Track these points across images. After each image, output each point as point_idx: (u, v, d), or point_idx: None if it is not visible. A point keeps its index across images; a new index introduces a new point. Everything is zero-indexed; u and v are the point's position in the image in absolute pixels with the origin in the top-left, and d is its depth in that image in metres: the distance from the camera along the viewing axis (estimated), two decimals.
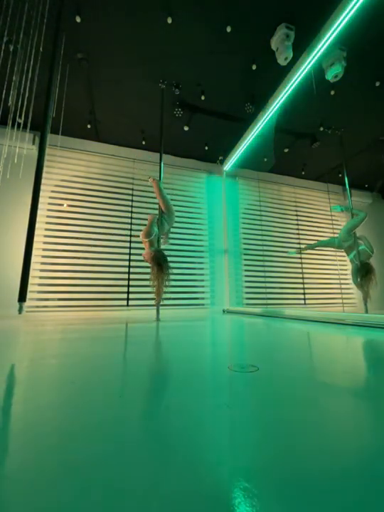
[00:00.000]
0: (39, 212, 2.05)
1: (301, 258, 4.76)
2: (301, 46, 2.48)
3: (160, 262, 2.48)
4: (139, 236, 2.79)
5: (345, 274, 4.85)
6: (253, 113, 3.37)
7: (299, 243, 4.84)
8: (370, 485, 0.31)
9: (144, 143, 3.95)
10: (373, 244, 3.32)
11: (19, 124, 2.49)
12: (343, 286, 4.73)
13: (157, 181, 2.83)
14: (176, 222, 4.09)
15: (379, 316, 1.91)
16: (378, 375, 0.80)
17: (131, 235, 3.82)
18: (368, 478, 0.32)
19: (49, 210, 3.51)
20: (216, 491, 0.30)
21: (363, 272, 2.94)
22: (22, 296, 1.74)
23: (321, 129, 3.60)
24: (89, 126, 3.54)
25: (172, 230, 4.01)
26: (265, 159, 4.13)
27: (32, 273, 3.17)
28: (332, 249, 4.92)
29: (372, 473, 0.33)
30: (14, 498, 0.30)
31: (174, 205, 4.13)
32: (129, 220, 3.87)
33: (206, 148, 4.14)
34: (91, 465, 0.35)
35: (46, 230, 3.43)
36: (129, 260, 3.73)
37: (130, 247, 3.78)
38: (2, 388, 0.67)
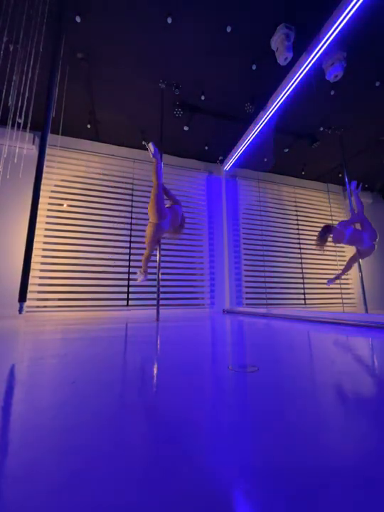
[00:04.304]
0: (39, 212, 2.05)
1: (301, 258, 4.76)
2: (301, 46, 2.47)
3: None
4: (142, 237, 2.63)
5: (346, 274, 4.85)
6: (253, 113, 3.37)
7: (299, 243, 4.84)
8: (364, 483, 0.31)
9: (144, 143, 3.95)
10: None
11: (19, 124, 2.49)
12: (343, 286, 4.73)
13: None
14: None
15: (379, 316, 1.91)
16: (376, 374, 0.80)
17: (131, 235, 3.82)
18: (363, 478, 0.32)
19: (49, 210, 3.50)
20: (214, 488, 0.30)
21: None
22: (22, 296, 1.74)
23: (321, 129, 3.60)
24: (89, 126, 3.54)
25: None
26: (265, 159, 4.13)
27: (32, 273, 3.17)
28: (332, 249, 4.94)
29: (367, 472, 0.33)
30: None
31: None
32: (129, 220, 3.87)
33: (206, 148, 4.14)
34: (90, 465, 0.35)
35: (46, 230, 3.43)
36: (129, 260, 3.73)
37: (130, 247, 3.78)
38: (2, 388, 0.67)
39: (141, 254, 3.78)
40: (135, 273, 3.66)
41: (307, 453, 0.38)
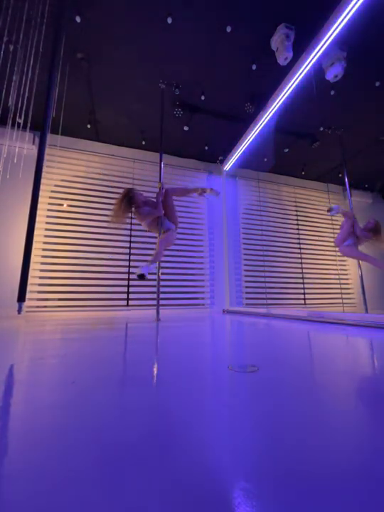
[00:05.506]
0: (39, 212, 2.05)
1: (301, 258, 4.76)
2: (301, 46, 2.48)
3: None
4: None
5: (346, 274, 4.86)
6: (253, 113, 3.37)
7: (299, 243, 4.84)
8: (367, 485, 0.31)
9: (143, 143, 3.95)
10: (373, 244, 3.37)
11: (19, 124, 2.49)
12: (343, 286, 4.73)
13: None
14: None
15: (379, 316, 1.91)
16: (376, 374, 0.80)
17: (131, 235, 3.82)
18: (366, 479, 0.32)
19: (49, 210, 3.50)
20: (214, 487, 0.30)
21: None
22: (21, 296, 1.74)
23: (321, 129, 3.60)
24: (89, 126, 3.54)
25: None
26: (265, 159, 4.13)
27: (32, 273, 3.18)
28: (332, 249, 4.94)
29: (370, 474, 0.33)
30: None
31: (175, 205, 4.15)
32: (129, 220, 3.87)
33: (206, 148, 4.14)
34: (90, 469, 0.35)
35: (46, 230, 3.43)
36: (129, 260, 3.73)
37: (130, 247, 3.78)
38: (2, 388, 0.67)
39: (141, 254, 3.79)
40: (134, 273, 3.68)
41: (307, 452, 0.38)
